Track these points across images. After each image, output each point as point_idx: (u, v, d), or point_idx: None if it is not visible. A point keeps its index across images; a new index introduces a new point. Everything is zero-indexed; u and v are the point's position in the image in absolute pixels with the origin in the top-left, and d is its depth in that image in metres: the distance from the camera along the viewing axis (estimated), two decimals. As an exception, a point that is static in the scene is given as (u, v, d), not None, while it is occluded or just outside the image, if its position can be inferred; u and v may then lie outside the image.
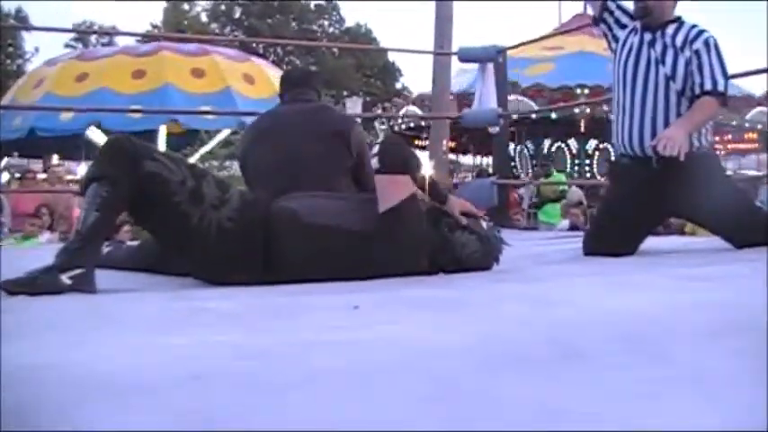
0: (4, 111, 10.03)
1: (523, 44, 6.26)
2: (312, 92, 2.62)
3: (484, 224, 2.36)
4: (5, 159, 12.70)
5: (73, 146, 10.66)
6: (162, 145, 9.44)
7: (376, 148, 2.20)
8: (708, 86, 2.65)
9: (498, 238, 2.33)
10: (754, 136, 12.87)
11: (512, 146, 12.58)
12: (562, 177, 10.85)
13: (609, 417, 0.85)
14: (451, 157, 12.73)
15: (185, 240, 2.05)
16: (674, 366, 1.01)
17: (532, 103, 10.33)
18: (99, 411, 0.82)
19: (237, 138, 6.47)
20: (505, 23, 55.20)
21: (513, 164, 12.80)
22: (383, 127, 13.17)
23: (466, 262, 2.23)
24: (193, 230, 2.01)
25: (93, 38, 26.81)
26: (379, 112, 13.62)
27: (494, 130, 5.21)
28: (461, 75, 9.98)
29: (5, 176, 11.56)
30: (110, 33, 28.70)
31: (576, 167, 12.63)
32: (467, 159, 17.53)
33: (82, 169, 10.54)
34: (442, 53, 6.11)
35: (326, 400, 0.87)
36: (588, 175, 12.39)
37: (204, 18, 30.85)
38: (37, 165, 11.37)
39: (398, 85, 31.38)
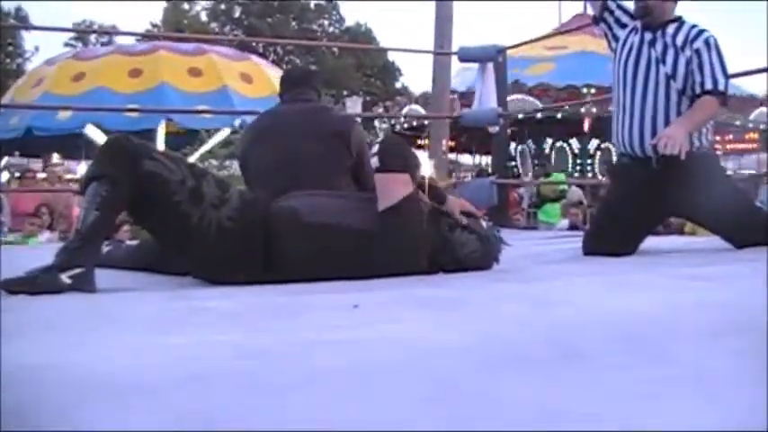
0: (2, 110, 10.06)
1: (524, 44, 6.27)
2: (312, 91, 2.62)
3: (483, 224, 2.36)
4: (5, 159, 12.70)
5: (70, 145, 10.68)
6: (161, 144, 9.44)
7: (375, 148, 2.20)
8: (708, 86, 2.65)
9: (498, 237, 2.33)
10: (755, 136, 12.87)
11: (513, 145, 12.60)
12: (561, 177, 10.85)
13: (609, 417, 0.85)
14: (451, 156, 12.72)
15: (185, 240, 2.05)
16: (674, 366, 1.01)
17: (538, 103, 10.32)
18: (99, 411, 0.82)
19: (237, 137, 6.46)
20: (505, 23, 55.19)
21: (513, 163, 12.81)
22: (384, 126, 13.15)
23: (466, 261, 2.23)
24: (193, 230, 2.01)
25: (92, 37, 26.80)
26: (381, 110, 13.60)
27: (493, 129, 5.21)
28: (463, 73, 9.97)
29: (5, 176, 11.56)
30: (109, 33, 28.67)
31: (578, 167, 12.63)
32: (466, 159, 17.53)
33: (82, 168, 10.54)
34: (441, 53, 6.11)
35: (327, 399, 0.87)
36: (590, 174, 12.37)
37: (204, 17, 30.85)
38: (37, 164, 11.37)
39: (398, 85, 31.38)
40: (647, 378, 0.96)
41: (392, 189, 2.13)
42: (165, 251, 2.29)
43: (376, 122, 13.66)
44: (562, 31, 11.47)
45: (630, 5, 2.92)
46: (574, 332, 1.17)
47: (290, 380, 0.92)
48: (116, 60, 10.83)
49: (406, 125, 12.93)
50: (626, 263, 2.53)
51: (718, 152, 10.77)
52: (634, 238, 2.85)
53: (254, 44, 21.35)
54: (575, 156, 12.79)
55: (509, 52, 5.26)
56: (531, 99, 10.32)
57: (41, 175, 8.95)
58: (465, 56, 5.25)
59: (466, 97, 8.39)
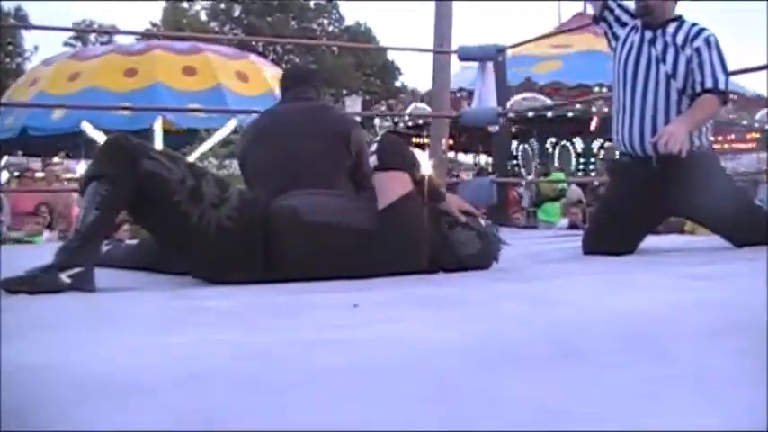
0: (1, 109, 10.08)
1: (524, 43, 6.26)
2: (312, 90, 2.62)
3: (482, 222, 2.36)
4: (5, 158, 12.72)
5: (66, 145, 10.70)
6: (159, 143, 9.45)
7: (374, 147, 2.20)
8: (709, 84, 2.65)
9: (497, 236, 2.33)
10: (756, 136, 12.88)
11: (515, 144, 12.59)
12: (561, 176, 10.84)
13: (609, 416, 0.85)
14: (450, 155, 12.69)
15: (185, 239, 2.05)
16: (675, 366, 1.01)
17: (549, 101, 10.30)
18: (99, 411, 0.82)
19: (237, 137, 6.47)
20: (505, 23, 55.18)
21: (515, 162, 12.80)
22: (386, 124, 13.11)
23: (466, 260, 2.23)
24: (193, 229, 2.01)
25: (92, 37, 26.80)
26: (384, 109, 13.57)
27: (493, 128, 5.21)
28: (462, 72, 9.96)
29: (5, 175, 11.58)
30: (109, 32, 28.67)
31: (582, 166, 12.60)
32: (466, 158, 17.53)
33: (81, 167, 10.55)
34: (441, 52, 6.09)
35: (326, 399, 0.87)
36: (593, 174, 12.35)
37: (203, 17, 30.84)
38: (36, 163, 11.39)
39: (398, 84, 31.39)
40: (647, 377, 0.96)
41: (391, 188, 2.13)
42: (164, 250, 2.29)
43: (376, 121, 13.61)
44: (564, 30, 11.46)
45: (631, 4, 2.91)
46: (573, 331, 1.17)
47: (290, 379, 0.92)
48: (112, 60, 10.87)
49: (410, 123, 12.88)
50: (626, 262, 2.53)
51: (720, 151, 10.81)
52: (634, 237, 2.85)
53: (253, 43, 21.35)
54: (578, 155, 12.77)
55: (514, 50, 5.27)
56: (541, 98, 10.27)
57: (40, 175, 8.96)
58: (465, 55, 5.25)
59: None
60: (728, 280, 1.80)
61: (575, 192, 8.86)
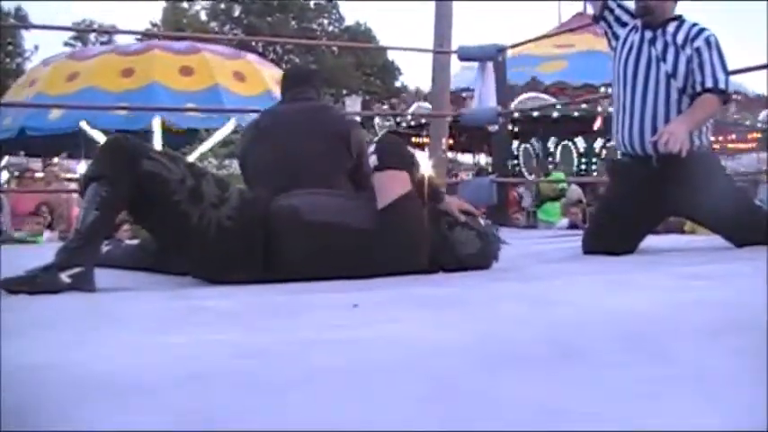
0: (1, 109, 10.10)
1: (523, 43, 6.26)
2: (312, 90, 2.62)
3: (482, 221, 2.36)
4: (6, 158, 12.73)
5: (64, 145, 10.70)
6: (158, 144, 9.46)
7: (372, 147, 2.20)
8: (709, 84, 2.65)
9: (497, 235, 2.33)
10: (757, 135, 12.87)
11: (516, 144, 12.56)
12: (561, 176, 10.84)
13: (609, 416, 0.85)
14: (449, 155, 12.66)
15: (184, 239, 2.05)
16: (675, 365, 1.01)
17: (554, 101, 10.28)
18: (98, 411, 0.82)
19: (237, 137, 6.47)
20: (505, 23, 55.20)
21: (516, 162, 12.79)
22: (388, 123, 13.08)
23: (465, 260, 2.23)
24: (193, 229, 2.01)
25: (92, 36, 26.79)
26: (386, 107, 13.55)
27: (493, 128, 5.21)
28: (465, 71, 9.95)
29: (5, 175, 11.59)
30: (109, 32, 28.67)
31: (584, 166, 12.58)
32: (466, 158, 17.52)
33: (82, 167, 10.57)
34: (441, 52, 6.10)
35: (326, 399, 0.87)
36: (595, 173, 12.33)
37: (203, 17, 30.83)
38: (36, 163, 11.40)
39: (398, 84, 31.39)
40: (647, 377, 0.96)
41: (390, 187, 2.13)
42: (164, 251, 2.29)
43: (377, 120, 13.58)
44: (565, 30, 11.44)
45: (631, 4, 2.91)
46: (573, 331, 1.16)
47: (290, 379, 0.92)
48: (109, 60, 10.89)
49: (413, 123, 12.85)
50: (626, 262, 2.53)
51: (720, 151, 10.80)
52: (634, 236, 2.85)
53: (253, 43, 21.35)
54: (580, 155, 12.74)
55: (519, 50, 5.27)
56: (546, 97, 10.23)
57: (39, 175, 8.96)
58: (465, 55, 5.25)
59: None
60: (729, 280, 1.79)
61: (575, 192, 8.86)
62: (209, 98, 10.01)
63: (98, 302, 1.70)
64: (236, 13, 30.60)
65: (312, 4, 32.01)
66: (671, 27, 2.76)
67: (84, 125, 9.82)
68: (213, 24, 30.13)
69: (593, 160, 12.67)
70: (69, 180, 9.96)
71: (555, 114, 11.01)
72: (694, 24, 2.76)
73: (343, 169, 2.42)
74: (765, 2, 11.29)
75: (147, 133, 9.42)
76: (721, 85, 2.66)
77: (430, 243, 2.18)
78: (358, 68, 30.44)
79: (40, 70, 11.88)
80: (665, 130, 2.52)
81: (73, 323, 1.39)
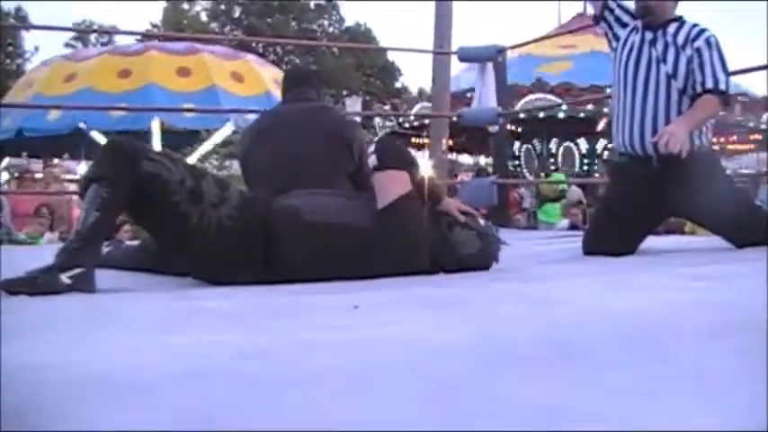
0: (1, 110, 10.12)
1: (523, 44, 6.26)
2: (313, 91, 2.62)
3: (481, 221, 2.35)
4: (6, 159, 12.75)
5: (60, 145, 10.71)
6: (157, 145, 9.47)
7: (372, 147, 2.20)
8: (709, 85, 2.65)
9: (497, 236, 2.33)
10: (758, 137, 12.86)
11: (517, 144, 12.55)
12: (561, 177, 10.83)
13: (608, 416, 0.85)
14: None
15: (185, 239, 2.05)
16: (674, 365, 1.01)
17: (560, 102, 10.26)
18: (98, 411, 0.82)
19: (238, 137, 6.47)
20: (505, 23, 55.21)
21: (518, 163, 12.78)
22: (389, 124, 13.06)
23: (466, 260, 2.23)
24: (193, 229, 2.01)
25: (92, 37, 26.79)
26: (388, 108, 13.53)
27: (493, 129, 5.21)
28: (467, 72, 9.94)
29: (5, 176, 11.59)
30: (109, 33, 28.67)
31: (586, 167, 12.56)
32: (467, 159, 17.51)
33: (82, 169, 10.58)
34: (441, 52, 6.10)
35: (326, 399, 0.87)
36: (597, 174, 12.31)
37: (204, 17, 30.84)
38: (37, 164, 11.41)
39: (398, 85, 31.40)
40: (647, 377, 0.96)
41: (390, 187, 2.13)
42: (165, 251, 2.29)
43: (378, 121, 13.57)
44: (565, 31, 11.44)
45: (631, 5, 2.91)
46: (573, 331, 1.16)
47: (289, 379, 0.92)
48: (107, 61, 10.91)
49: (416, 123, 12.83)
50: (626, 262, 2.52)
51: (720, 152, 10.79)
52: (634, 237, 2.85)
53: (253, 44, 21.35)
54: (582, 156, 12.72)
55: (523, 50, 5.26)
56: (552, 98, 10.20)
57: (39, 176, 8.97)
58: (465, 56, 5.25)
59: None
60: (729, 280, 1.79)
61: (575, 192, 8.86)
62: (206, 99, 10.02)
63: (98, 303, 1.70)
64: (237, 14, 30.61)
65: (312, 4, 32.02)
66: (671, 28, 2.76)
67: (83, 126, 9.83)
68: (214, 25, 30.13)
69: (596, 161, 12.66)
70: (70, 181, 9.97)
71: (561, 115, 10.98)
72: (695, 25, 2.76)
73: (343, 170, 2.42)
74: (765, 2, 11.28)
75: (146, 134, 9.42)
76: (722, 86, 2.66)
77: (430, 244, 2.18)
78: (358, 69, 30.44)
79: (39, 71, 11.91)
80: (666, 130, 2.52)
81: (73, 324, 1.39)
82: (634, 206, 2.75)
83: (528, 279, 2.08)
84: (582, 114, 11.01)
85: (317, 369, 0.96)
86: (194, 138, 9.75)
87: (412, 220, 2.15)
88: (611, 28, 2.98)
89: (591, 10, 3.74)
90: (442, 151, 6.26)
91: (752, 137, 12.87)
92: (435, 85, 6.43)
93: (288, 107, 2.59)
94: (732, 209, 2.65)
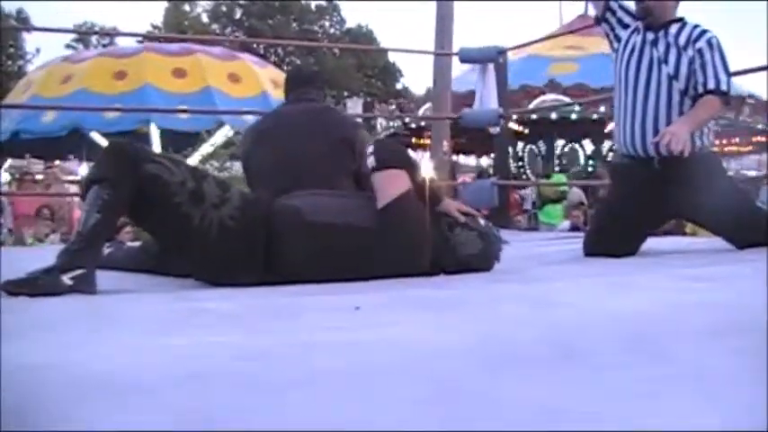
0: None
1: (522, 46, 6.26)
2: (315, 92, 2.62)
3: (482, 221, 2.35)
4: (8, 161, 12.77)
5: (56, 147, 10.74)
6: (156, 146, 9.49)
7: (371, 148, 2.20)
8: (711, 85, 2.65)
9: (497, 236, 2.32)
10: (762, 139, 12.84)
11: (521, 145, 12.53)
12: (562, 178, 10.82)
13: (608, 416, 0.85)
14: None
15: (186, 241, 2.05)
16: (675, 365, 1.01)
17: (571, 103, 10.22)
18: (98, 411, 0.82)
19: (240, 138, 6.48)
20: (506, 23, 55.26)
21: (521, 164, 12.76)
22: (395, 124, 13.04)
23: (467, 261, 2.23)
24: (194, 231, 2.01)
25: (93, 39, 26.81)
26: (393, 107, 13.53)
27: (494, 130, 5.21)
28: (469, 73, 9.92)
29: (6, 177, 11.62)
30: (110, 34, 28.69)
31: (591, 169, 12.54)
32: (467, 160, 17.50)
33: (83, 170, 10.60)
34: (442, 53, 6.11)
35: (327, 400, 0.87)
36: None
37: (205, 19, 30.85)
38: (38, 166, 11.44)
39: (399, 86, 31.40)
40: (647, 377, 0.96)
41: (389, 186, 2.13)
42: (166, 253, 2.29)
43: (379, 122, 13.56)
44: (567, 31, 11.42)
45: (633, 5, 2.91)
46: (574, 332, 1.17)
47: (290, 380, 0.92)
48: (103, 63, 10.96)
49: (422, 124, 12.80)
50: (627, 263, 2.52)
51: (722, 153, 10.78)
52: (635, 238, 2.85)
53: (254, 45, 21.36)
54: (587, 157, 12.69)
55: (530, 50, 5.26)
56: (565, 99, 10.17)
57: (40, 177, 8.99)
58: (466, 57, 5.25)
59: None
60: (730, 281, 1.79)
61: (576, 194, 8.85)
62: (201, 100, 10.05)
63: (99, 304, 1.70)
64: (238, 16, 30.63)
65: (313, 5, 32.04)
66: (673, 29, 2.76)
67: (84, 129, 9.87)
68: (215, 26, 30.14)
69: (599, 163, 12.63)
70: (71, 182, 9.99)
71: (573, 116, 10.95)
72: (696, 26, 2.76)
73: (345, 170, 2.42)
74: (765, 2, 11.27)
75: (145, 135, 9.45)
76: (723, 87, 2.66)
77: (431, 245, 2.18)
78: (359, 70, 30.45)
79: (37, 73, 11.97)
80: (667, 130, 2.52)
81: (74, 325, 1.39)
82: (635, 207, 2.75)
83: (529, 280, 2.08)
84: (595, 116, 10.96)
85: (317, 370, 0.96)
86: (194, 139, 9.77)
87: (412, 218, 2.14)
88: (612, 29, 2.97)
89: (592, 11, 3.74)
90: (443, 152, 6.27)
91: (754, 139, 12.86)
92: (436, 86, 6.44)
93: (290, 108, 2.59)
94: (733, 210, 2.64)
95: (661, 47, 2.74)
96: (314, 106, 2.56)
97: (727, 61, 2.71)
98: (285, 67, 20.36)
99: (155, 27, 29.82)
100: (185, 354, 1.03)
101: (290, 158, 2.37)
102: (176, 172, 2.01)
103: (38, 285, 1.78)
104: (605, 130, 11.15)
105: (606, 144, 12.21)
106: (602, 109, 10.41)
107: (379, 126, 13.31)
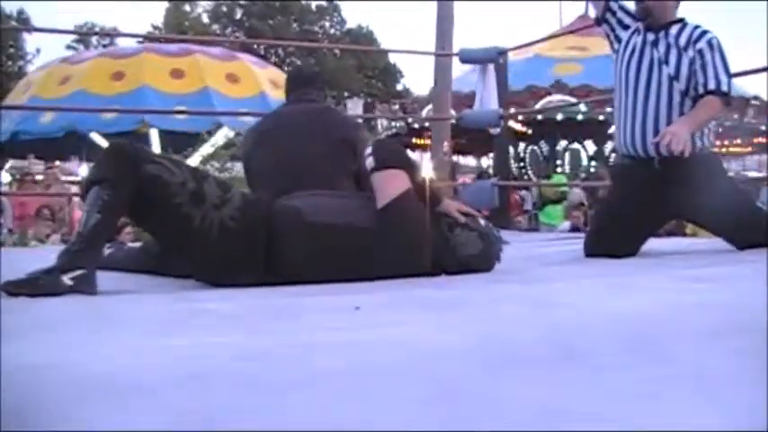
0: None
1: (523, 46, 6.26)
2: (315, 92, 2.62)
3: (482, 222, 2.35)
4: (10, 162, 12.79)
5: (55, 148, 10.75)
6: (156, 147, 9.49)
7: (370, 149, 2.20)
8: (711, 86, 2.65)
9: (498, 236, 2.32)
10: (763, 140, 12.84)
11: (523, 146, 12.52)
12: (562, 179, 10.82)
13: (609, 416, 0.85)
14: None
15: (187, 241, 2.05)
16: (675, 366, 1.01)
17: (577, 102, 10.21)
18: (99, 411, 0.82)
19: (240, 139, 6.48)
20: (506, 23, 55.27)
21: (522, 165, 12.75)
22: (397, 125, 13.03)
23: (468, 261, 2.23)
24: (195, 231, 2.01)
25: (94, 39, 26.82)
26: (396, 108, 13.53)
27: (495, 131, 5.21)
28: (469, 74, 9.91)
29: (7, 178, 11.63)
30: (110, 35, 28.73)
31: (593, 169, 12.53)
32: (468, 160, 17.50)
33: (83, 170, 10.61)
34: (442, 54, 6.11)
35: (327, 401, 0.87)
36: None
37: (205, 19, 30.86)
38: (38, 166, 11.44)
39: (399, 87, 31.40)
40: (648, 378, 0.96)
41: (389, 186, 2.13)
42: (166, 253, 2.29)
43: (379, 122, 13.56)
44: (567, 32, 11.42)
45: (633, 6, 2.91)
46: (575, 333, 1.16)
47: (291, 381, 0.92)
48: (101, 64, 10.98)
49: (426, 124, 12.78)
50: (628, 264, 2.52)
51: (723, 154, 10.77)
52: (636, 239, 2.85)
53: (255, 46, 21.37)
54: (589, 158, 12.68)
55: (535, 51, 5.25)
56: (571, 99, 10.16)
57: (40, 177, 9.01)
58: (466, 57, 5.26)
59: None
60: (730, 282, 1.79)
61: (576, 195, 8.85)
62: (198, 101, 10.06)
63: (100, 305, 1.70)
64: (238, 16, 30.63)
65: (314, 6, 32.05)
66: (673, 29, 2.76)
67: (84, 131, 9.88)
68: (215, 27, 30.15)
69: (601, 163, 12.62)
70: (71, 183, 10.00)
71: (579, 117, 10.95)
72: (697, 26, 2.76)
73: (345, 171, 2.42)
74: (765, 2, 11.27)
75: (145, 136, 9.46)
76: (723, 87, 2.66)
77: (432, 245, 2.18)
78: (359, 71, 30.46)
79: (36, 74, 12.00)
80: (667, 130, 2.52)
81: (74, 325, 1.39)
82: (635, 208, 2.75)
83: (529, 281, 2.08)
84: (601, 117, 10.95)
85: (318, 371, 0.96)
86: (195, 139, 9.77)
87: (412, 218, 2.14)
88: (612, 30, 2.97)
89: (592, 12, 3.74)
90: (443, 153, 6.26)
91: (755, 140, 12.85)
92: (437, 86, 6.44)
93: (290, 108, 2.60)
94: (733, 211, 2.64)
95: (661, 47, 2.74)
96: (314, 107, 2.57)
97: (728, 62, 2.71)
98: (285, 68, 20.35)
99: (155, 27, 29.83)
100: (186, 354, 1.03)
101: (290, 159, 2.37)
102: (177, 172, 2.01)
103: (38, 286, 1.78)
104: (608, 132, 11.15)
105: (609, 145, 12.19)
106: (609, 110, 10.40)
107: (379, 126, 13.30)
